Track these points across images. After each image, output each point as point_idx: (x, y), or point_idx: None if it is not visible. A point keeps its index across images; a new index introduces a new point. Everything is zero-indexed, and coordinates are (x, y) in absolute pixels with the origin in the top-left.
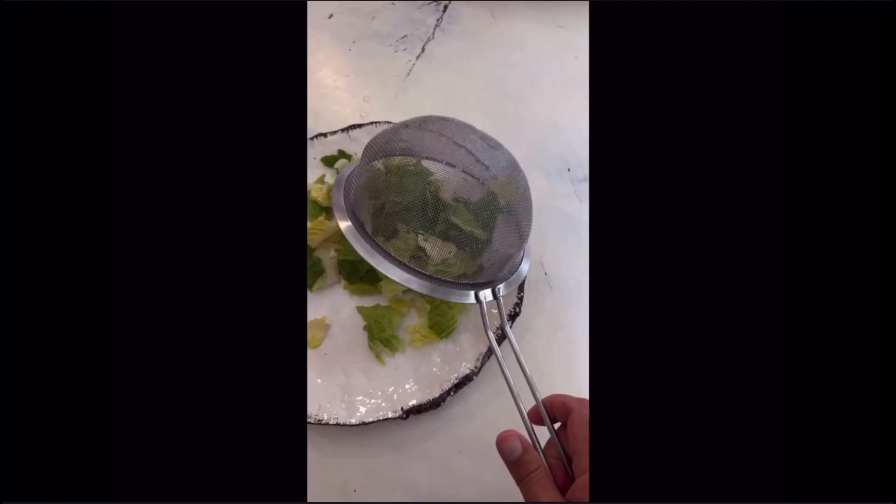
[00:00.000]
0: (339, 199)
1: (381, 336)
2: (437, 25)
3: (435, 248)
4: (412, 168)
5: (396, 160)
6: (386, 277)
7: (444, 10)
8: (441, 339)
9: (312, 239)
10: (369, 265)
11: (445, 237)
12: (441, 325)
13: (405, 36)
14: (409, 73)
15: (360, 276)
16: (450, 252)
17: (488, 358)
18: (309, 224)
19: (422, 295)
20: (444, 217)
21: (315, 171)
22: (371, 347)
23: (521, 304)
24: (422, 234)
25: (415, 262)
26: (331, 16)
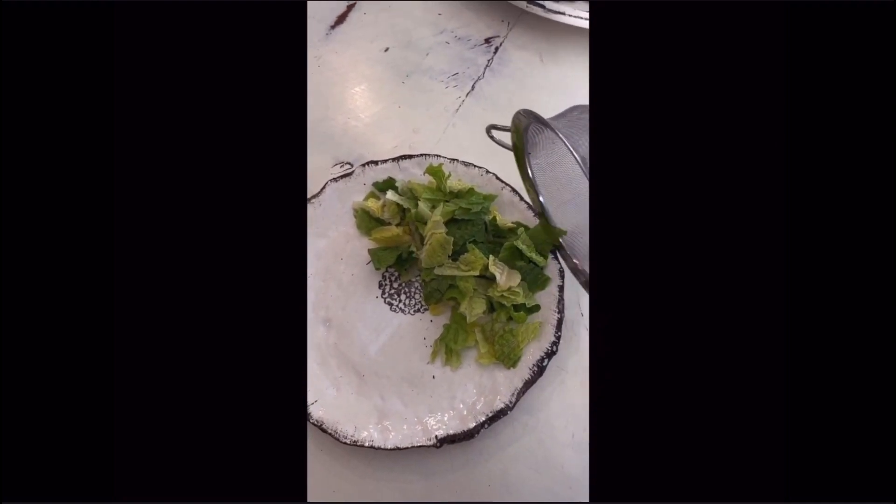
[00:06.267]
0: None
1: (451, 344)
2: (487, 66)
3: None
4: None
5: None
6: (467, 299)
7: (496, 52)
8: (508, 367)
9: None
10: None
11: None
12: (507, 354)
13: (457, 73)
14: (458, 109)
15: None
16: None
17: (523, 394)
18: (375, 235)
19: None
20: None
21: (366, 193)
22: (435, 345)
23: (558, 342)
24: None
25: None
26: (387, 49)
